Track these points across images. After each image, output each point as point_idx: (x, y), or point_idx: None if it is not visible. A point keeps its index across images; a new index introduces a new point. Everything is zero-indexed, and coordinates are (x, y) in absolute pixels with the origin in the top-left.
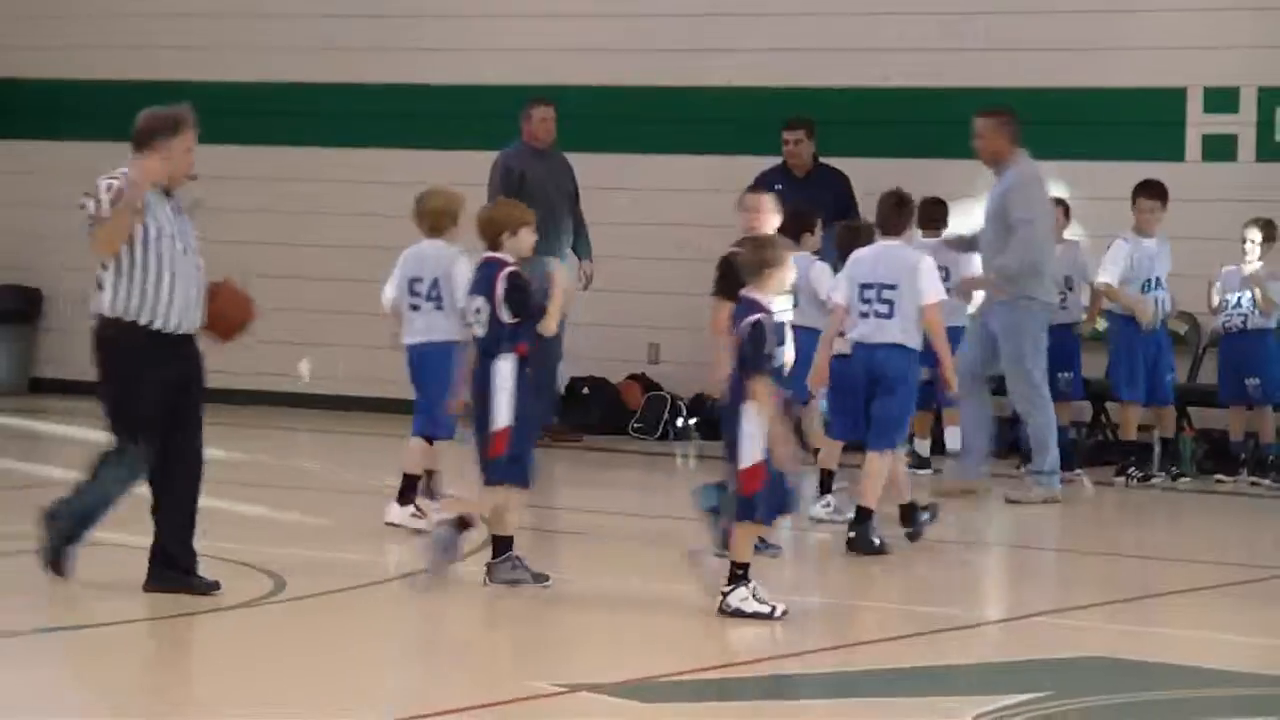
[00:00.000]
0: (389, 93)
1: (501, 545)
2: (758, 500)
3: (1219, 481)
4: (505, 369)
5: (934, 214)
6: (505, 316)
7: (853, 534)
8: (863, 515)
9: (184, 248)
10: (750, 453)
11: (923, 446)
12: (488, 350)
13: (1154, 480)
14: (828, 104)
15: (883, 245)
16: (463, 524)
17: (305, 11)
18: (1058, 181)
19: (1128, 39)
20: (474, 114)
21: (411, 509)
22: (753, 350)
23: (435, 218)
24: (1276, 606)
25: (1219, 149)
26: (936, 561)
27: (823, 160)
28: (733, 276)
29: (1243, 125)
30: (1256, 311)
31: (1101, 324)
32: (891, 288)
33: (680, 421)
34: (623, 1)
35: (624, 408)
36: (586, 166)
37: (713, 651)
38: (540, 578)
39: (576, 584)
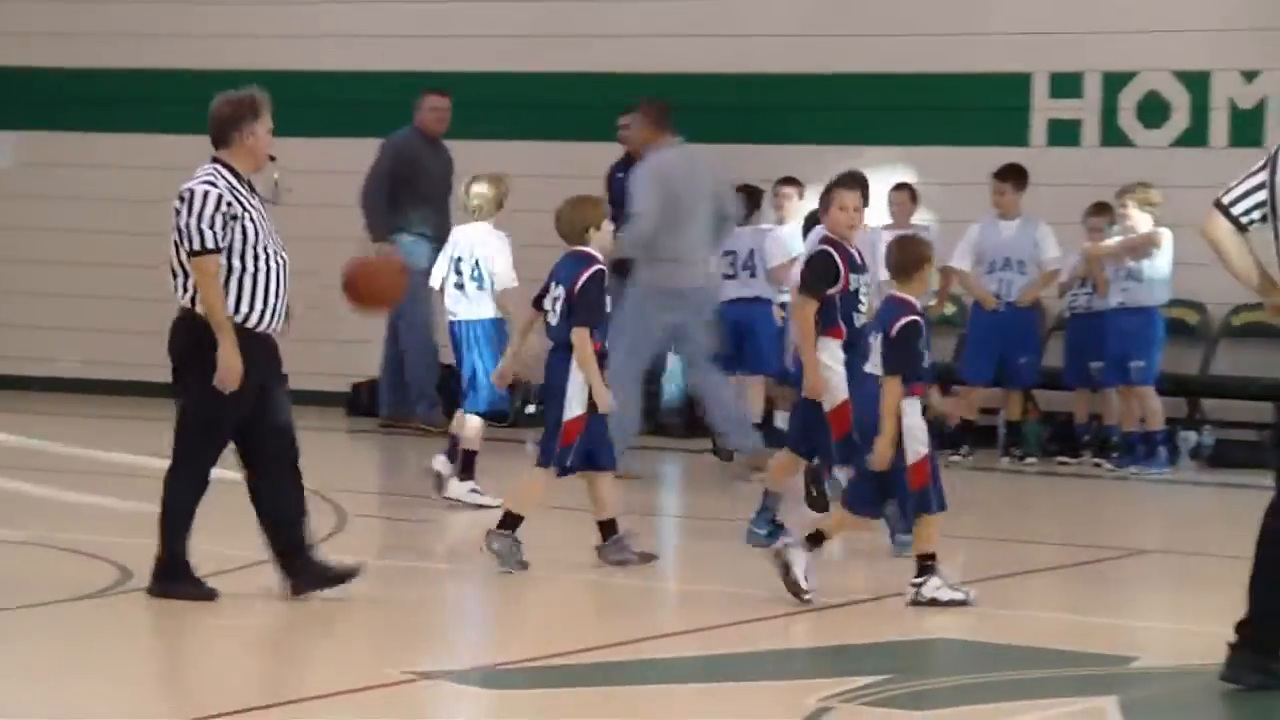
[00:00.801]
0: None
1: (608, 529)
2: (929, 494)
3: (1062, 463)
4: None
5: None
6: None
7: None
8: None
9: (276, 244)
10: (915, 449)
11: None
12: (562, 339)
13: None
14: (678, 89)
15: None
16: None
17: None
18: (907, 167)
19: (974, 25)
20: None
21: (471, 485)
22: (905, 352)
23: (484, 202)
24: (1117, 586)
25: (1063, 134)
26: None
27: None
28: (821, 275)
29: (1087, 110)
30: (1094, 293)
31: (950, 308)
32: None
33: (529, 408)
34: None
35: None
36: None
37: (570, 637)
38: (648, 556)
39: (434, 572)
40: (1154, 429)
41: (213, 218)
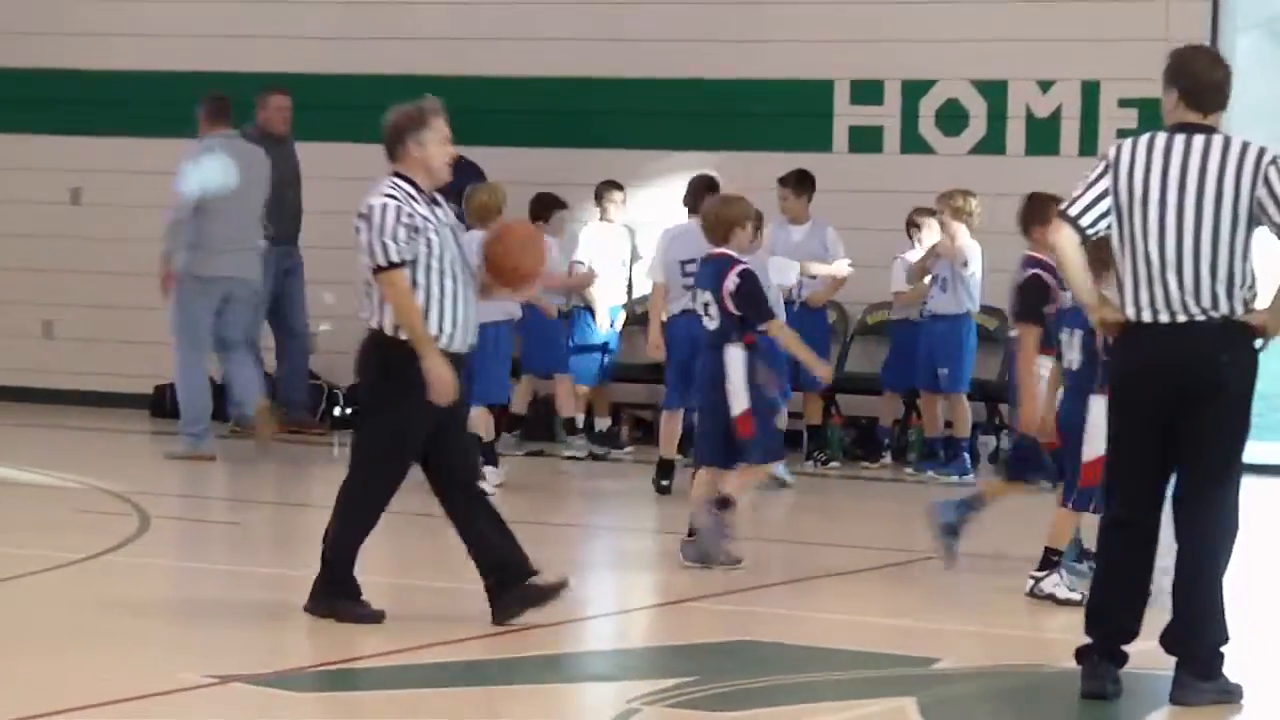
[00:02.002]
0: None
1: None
2: (1093, 494)
3: (864, 468)
4: (736, 357)
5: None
6: (734, 310)
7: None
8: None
9: (461, 259)
10: (1095, 446)
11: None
12: (717, 343)
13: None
14: (479, 92)
15: (691, 223)
16: (724, 504)
17: None
18: (713, 173)
19: (778, 31)
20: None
21: (492, 469)
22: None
23: (482, 211)
24: (917, 589)
25: (865, 140)
26: (588, 546)
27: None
28: (1036, 297)
29: (887, 117)
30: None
31: None
32: None
33: (337, 411)
34: None
35: None
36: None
37: (394, 637)
38: (734, 560)
39: (235, 574)
40: (960, 435)
41: (395, 230)
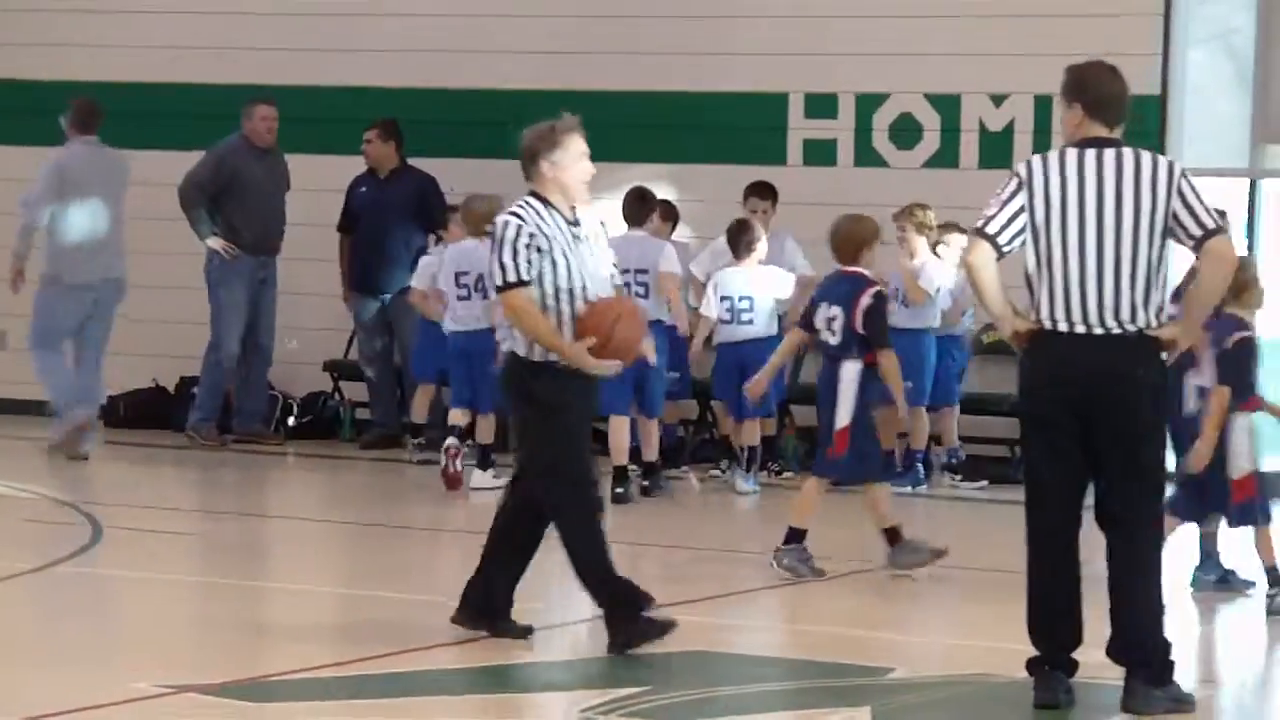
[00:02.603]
0: None
1: (795, 535)
2: (1254, 507)
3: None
4: (851, 373)
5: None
6: (861, 329)
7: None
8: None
9: (595, 280)
10: (1239, 465)
11: None
12: (837, 356)
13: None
14: (434, 104)
15: (630, 234)
16: (893, 536)
17: None
18: (668, 184)
19: (732, 45)
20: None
21: (493, 472)
22: (1238, 367)
23: (477, 220)
24: (863, 596)
25: (819, 153)
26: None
27: (410, 161)
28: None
29: (841, 130)
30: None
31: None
32: (644, 271)
33: (291, 420)
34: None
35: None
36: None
37: (347, 647)
38: (818, 571)
39: (191, 584)
40: (917, 447)
41: (515, 249)
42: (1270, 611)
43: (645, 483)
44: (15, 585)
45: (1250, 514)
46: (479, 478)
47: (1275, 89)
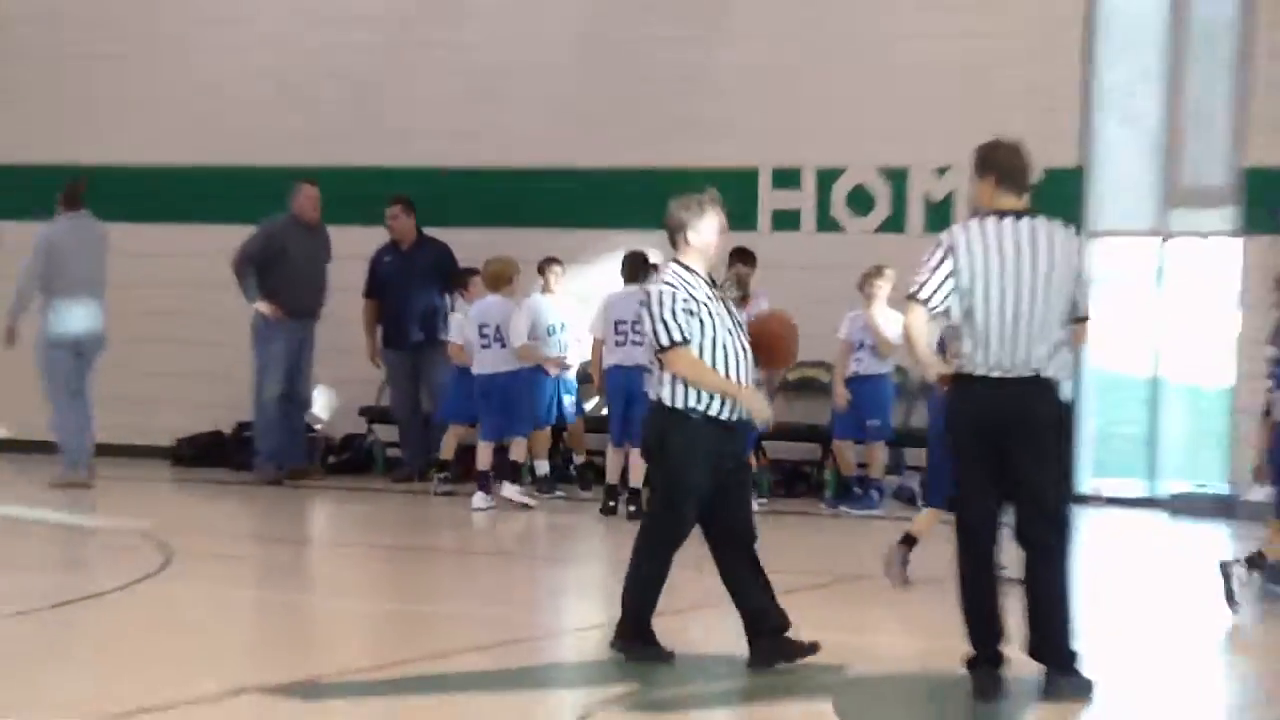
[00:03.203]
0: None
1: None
2: None
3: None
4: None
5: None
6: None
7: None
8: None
9: (735, 334)
10: None
11: (542, 466)
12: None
13: None
14: (449, 181)
15: (627, 290)
16: (910, 541)
17: None
18: (659, 249)
19: (713, 129)
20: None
21: (519, 488)
22: None
23: (495, 279)
24: (840, 605)
25: (785, 221)
26: (550, 572)
27: (426, 232)
28: None
29: (804, 200)
30: (873, 354)
31: None
32: (639, 322)
33: (332, 458)
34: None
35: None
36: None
37: (384, 653)
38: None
39: (256, 599)
40: (874, 476)
41: (672, 313)
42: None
43: (631, 508)
44: (100, 603)
45: None
46: (509, 489)
47: (1179, 162)
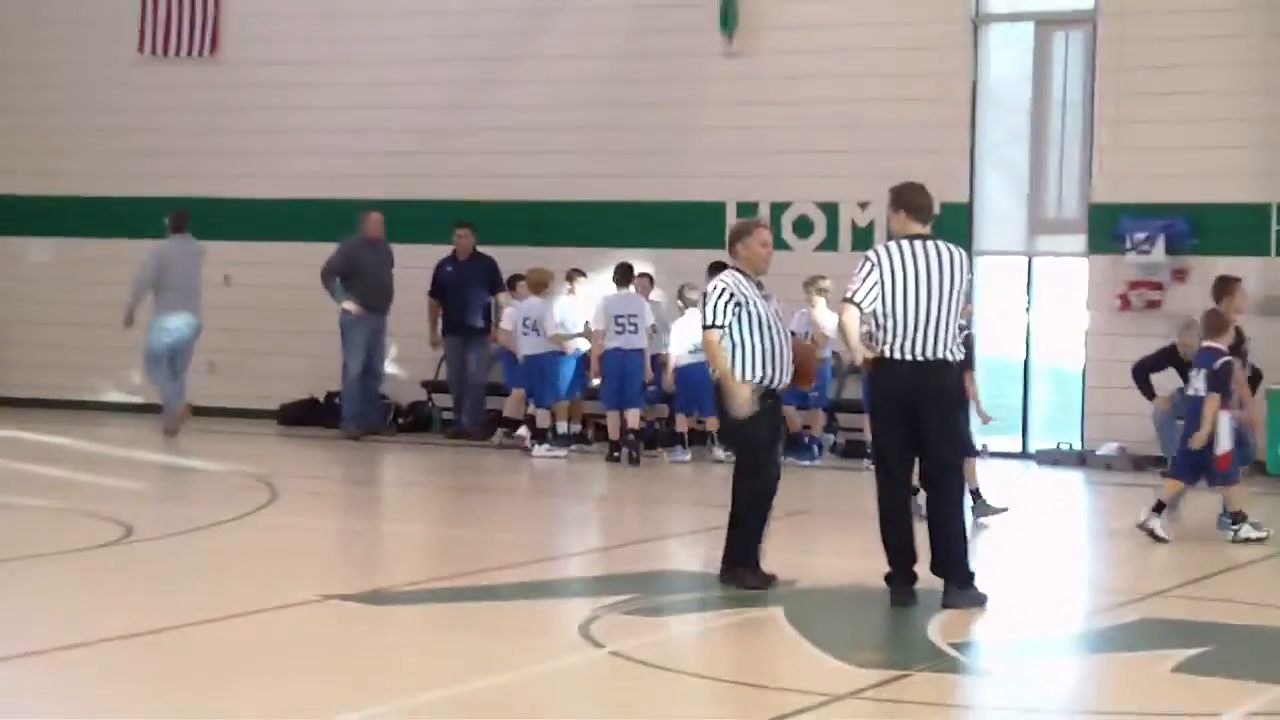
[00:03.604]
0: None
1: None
2: (1232, 473)
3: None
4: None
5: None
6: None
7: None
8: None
9: (776, 323)
10: (1223, 446)
11: (561, 426)
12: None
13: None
14: (496, 210)
15: (621, 292)
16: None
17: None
18: (647, 263)
19: (689, 171)
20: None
21: (547, 445)
22: (1223, 382)
23: (537, 285)
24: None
25: None
26: (566, 508)
27: (479, 249)
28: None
29: None
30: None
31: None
32: (635, 315)
33: (400, 420)
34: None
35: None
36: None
37: (442, 568)
38: (1002, 510)
39: (334, 528)
40: (815, 434)
41: (717, 305)
42: (1235, 541)
43: (634, 453)
44: (220, 530)
45: (1229, 479)
46: (538, 449)
47: (1041, 200)
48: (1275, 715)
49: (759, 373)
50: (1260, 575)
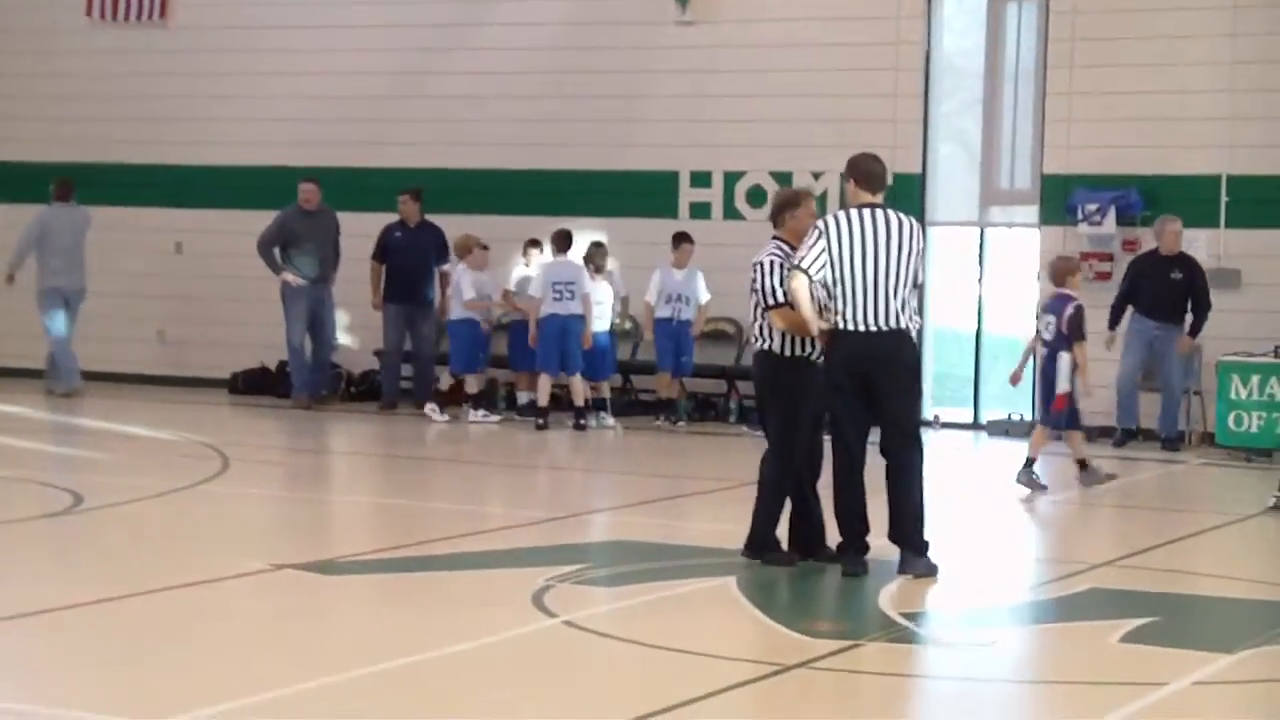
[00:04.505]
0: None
1: (1082, 466)
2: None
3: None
4: (1065, 361)
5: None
6: (1065, 331)
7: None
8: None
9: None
10: (1061, 388)
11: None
12: (1055, 349)
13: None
14: (438, 178)
15: (558, 259)
16: (1082, 465)
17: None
18: (600, 232)
19: (645, 139)
20: None
21: (483, 412)
22: (1078, 327)
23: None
24: (729, 505)
25: (700, 211)
26: (503, 477)
27: (427, 216)
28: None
29: (714, 196)
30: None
31: (629, 324)
32: (572, 284)
33: (353, 389)
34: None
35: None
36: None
37: (386, 538)
38: (1043, 487)
39: (290, 499)
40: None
41: (780, 280)
42: (1084, 485)
43: (586, 421)
44: (173, 498)
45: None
46: (472, 414)
47: (993, 171)
48: (1221, 684)
49: (806, 347)
50: (1208, 546)
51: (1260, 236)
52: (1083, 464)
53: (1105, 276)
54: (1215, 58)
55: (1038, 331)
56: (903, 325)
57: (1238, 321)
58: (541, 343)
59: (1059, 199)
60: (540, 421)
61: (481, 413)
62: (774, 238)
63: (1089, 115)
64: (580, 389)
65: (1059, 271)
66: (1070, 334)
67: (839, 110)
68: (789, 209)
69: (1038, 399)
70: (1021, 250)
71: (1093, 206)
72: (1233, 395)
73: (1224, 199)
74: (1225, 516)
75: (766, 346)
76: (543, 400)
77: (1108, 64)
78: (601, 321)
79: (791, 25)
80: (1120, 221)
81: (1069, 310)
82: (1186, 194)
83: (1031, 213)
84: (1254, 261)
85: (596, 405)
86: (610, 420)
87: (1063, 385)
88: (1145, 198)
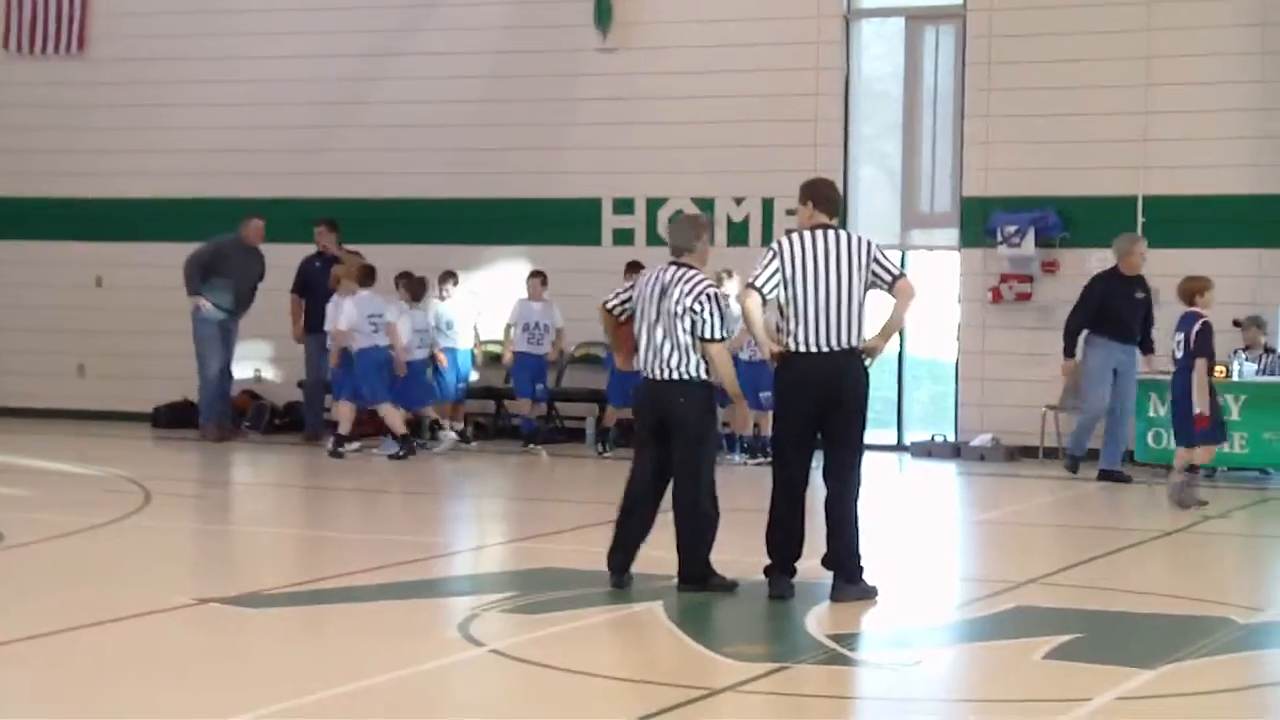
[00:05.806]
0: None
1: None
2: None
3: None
4: (1198, 377)
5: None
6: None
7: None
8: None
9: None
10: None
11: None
12: (1187, 366)
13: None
14: (362, 209)
15: (366, 294)
16: (1193, 470)
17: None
18: (528, 260)
19: (567, 167)
20: None
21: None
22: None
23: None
24: (661, 529)
25: (623, 238)
26: (446, 506)
27: (350, 248)
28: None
29: (637, 222)
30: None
31: (601, 352)
32: (379, 315)
33: (277, 421)
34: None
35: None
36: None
37: (310, 571)
38: (1202, 502)
39: (215, 532)
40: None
41: (725, 315)
42: (1172, 497)
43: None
44: (95, 534)
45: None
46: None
47: (912, 194)
48: (1144, 699)
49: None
50: (1130, 562)
51: (1176, 256)
52: (1192, 470)
53: (1025, 298)
54: (1130, 80)
55: (1172, 351)
56: (855, 345)
57: (1155, 340)
58: (365, 374)
59: (978, 221)
60: (398, 451)
61: (355, 445)
62: (686, 265)
63: (1007, 137)
64: (395, 416)
65: (1187, 291)
66: (1195, 349)
67: (761, 135)
68: (705, 233)
69: (1172, 416)
70: (942, 272)
71: (1012, 228)
72: (1151, 413)
73: (1140, 219)
74: (1145, 534)
75: (686, 375)
76: (344, 427)
77: (1025, 87)
78: (422, 350)
79: (712, 52)
80: (1039, 243)
81: (1196, 326)
82: (1103, 215)
83: (952, 235)
84: (1170, 281)
85: (434, 427)
86: (453, 435)
87: (1199, 404)
88: (1063, 219)
